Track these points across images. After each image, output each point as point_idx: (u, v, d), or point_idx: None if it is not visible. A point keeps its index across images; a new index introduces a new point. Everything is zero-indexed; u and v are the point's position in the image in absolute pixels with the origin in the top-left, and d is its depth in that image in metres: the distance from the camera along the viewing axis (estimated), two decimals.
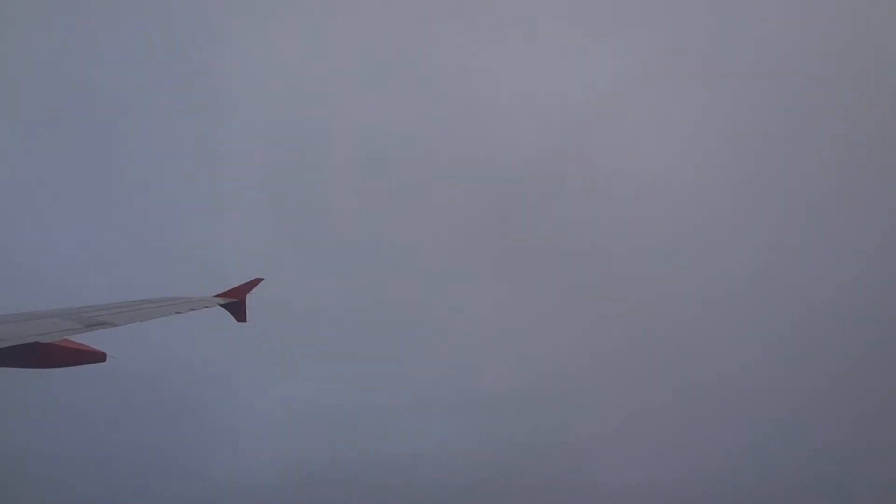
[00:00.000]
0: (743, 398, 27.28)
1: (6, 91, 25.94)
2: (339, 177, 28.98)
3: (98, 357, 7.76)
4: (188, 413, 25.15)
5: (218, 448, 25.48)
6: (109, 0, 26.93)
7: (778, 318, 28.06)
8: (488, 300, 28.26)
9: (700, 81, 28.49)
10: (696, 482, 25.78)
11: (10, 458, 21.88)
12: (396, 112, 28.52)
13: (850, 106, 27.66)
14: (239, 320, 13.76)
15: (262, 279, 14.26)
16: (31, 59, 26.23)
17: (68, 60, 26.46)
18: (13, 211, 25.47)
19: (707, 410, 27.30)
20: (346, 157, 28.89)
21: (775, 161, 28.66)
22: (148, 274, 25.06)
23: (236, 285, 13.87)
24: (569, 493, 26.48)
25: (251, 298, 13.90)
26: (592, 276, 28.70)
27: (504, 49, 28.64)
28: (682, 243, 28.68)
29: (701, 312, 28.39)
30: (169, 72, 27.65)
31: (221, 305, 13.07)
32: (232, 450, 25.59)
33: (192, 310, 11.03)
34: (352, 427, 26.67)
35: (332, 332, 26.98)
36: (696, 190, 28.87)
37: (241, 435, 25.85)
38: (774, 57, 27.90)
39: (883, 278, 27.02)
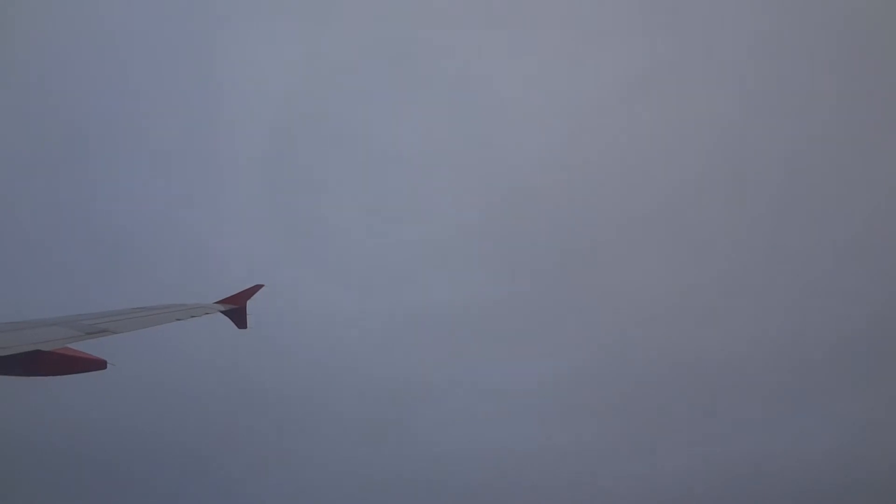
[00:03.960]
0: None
1: (4, 94, 26.00)
2: (340, 182, 29.02)
3: (98, 365, 7.74)
4: (190, 419, 25.13)
5: (220, 453, 25.43)
6: (112, 2, 27.02)
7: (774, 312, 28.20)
8: (490, 300, 28.23)
9: (702, 85, 28.58)
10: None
11: (11, 464, 21.83)
12: (397, 116, 28.60)
13: (852, 105, 27.73)
14: (239, 327, 13.73)
15: (263, 285, 14.25)
16: (30, 59, 26.30)
17: (69, 62, 26.54)
18: (13, 217, 25.48)
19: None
20: (348, 162, 28.94)
21: (775, 162, 28.74)
22: (148, 281, 25.07)
23: (237, 292, 13.85)
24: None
25: (251, 305, 13.88)
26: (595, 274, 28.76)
27: (506, 51, 28.75)
28: (682, 243, 28.74)
29: (702, 309, 28.42)
30: (169, 76, 27.73)
31: (222, 312, 13.04)
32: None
33: (193, 317, 11.02)
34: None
35: (333, 335, 26.98)
36: (696, 191, 28.93)
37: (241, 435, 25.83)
38: (775, 61, 27.99)
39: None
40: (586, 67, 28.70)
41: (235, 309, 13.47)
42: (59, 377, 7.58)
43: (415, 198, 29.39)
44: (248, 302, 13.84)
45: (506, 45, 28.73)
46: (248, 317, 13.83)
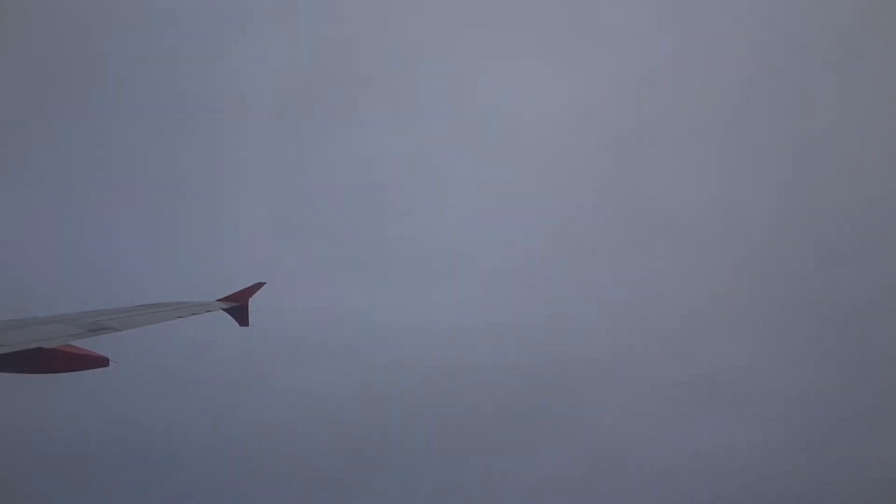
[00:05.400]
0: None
1: (6, 93, 26.01)
2: (342, 180, 29.06)
3: (101, 362, 7.77)
4: (192, 417, 25.15)
5: (221, 452, 25.44)
6: (112, 3, 27.05)
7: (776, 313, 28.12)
8: (491, 302, 28.20)
9: (694, 91, 28.59)
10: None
11: (13, 462, 21.87)
12: (397, 115, 28.64)
13: (853, 105, 27.71)
14: (241, 324, 13.80)
15: (265, 283, 14.31)
16: (30, 62, 26.32)
17: (69, 63, 26.55)
18: (13, 215, 25.52)
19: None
20: (348, 160, 28.98)
21: (772, 162, 28.73)
22: (150, 279, 25.09)
23: (238, 289, 13.90)
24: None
25: (253, 302, 13.94)
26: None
27: (500, 54, 28.76)
28: (679, 244, 28.74)
29: (697, 316, 28.41)
30: (170, 73, 27.72)
31: (224, 310, 13.09)
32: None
33: (195, 314, 11.06)
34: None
35: (334, 334, 26.96)
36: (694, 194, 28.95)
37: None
38: (774, 58, 27.97)
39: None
40: (577, 72, 28.72)
41: (237, 306, 13.53)
42: (61, 374, 7.60)
43: (416, 196, 29.43)
44: (250, 300, 13.90)
45: (508, 44, 28.73)
46: (249, 314, 13.89)
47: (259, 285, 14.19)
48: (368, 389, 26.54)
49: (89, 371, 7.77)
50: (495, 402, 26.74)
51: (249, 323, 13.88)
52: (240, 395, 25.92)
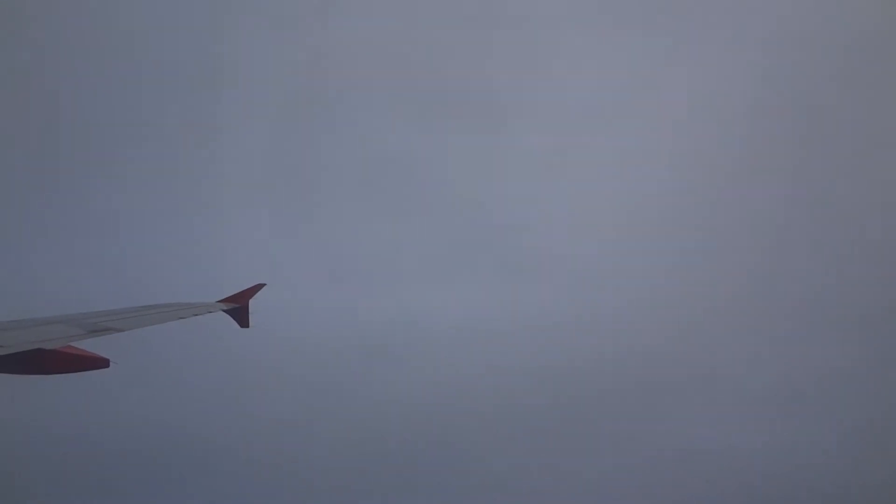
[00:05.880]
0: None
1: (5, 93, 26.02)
2: (341, 180, 29.04)
3: (101, 363, 7.76)
4: (192, 417, 25.13)
5: (222, 452, 25.42)
6: (111, 2, 27.06)
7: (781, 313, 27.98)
8: (495, 301, 28.15)
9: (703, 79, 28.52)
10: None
11: (13, 462, 21.85)
12: (397, 115, 28.62)
13: (857, 102, 27.68)
14: (242, 326, 13.85)
15: (265, 284, 14.36)
16: (32, 57, 26.33)
17: (68, 61, 26.55)
18: (13, 216, 25.52)
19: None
20: (349, 160, 28.97)
21: (779, 156, 28.68)
22: (150, 280, 25.08)
23: (239, 291, 13.94)
24: None
25: (253, 304, 13.98)
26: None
27: (507, 50, 28.75)
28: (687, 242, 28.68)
29: (709, 311, 28.29)
30: (169, 74, 27.73)
31: (224, 311, 13.12)
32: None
33: (196, 315, 11.07)
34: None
35: (334, 334, 26.95)
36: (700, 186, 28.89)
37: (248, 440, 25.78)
38: (777, 52, 27.96)
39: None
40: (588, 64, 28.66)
41: (238, 308, 13.57)
42: (61, 375, 7.59)
43: (416, 198, 29.41)
44: (251, 301, 13.94)
45: (510, 44, 28.73)
46: (250, 315, 13.94)
47: (259, 286, 14.25)
48: (370, 389, 26.57)
49: (89, 372, 7.75)
50: (495, 405, 26.72)
51: (250, 324, 13.94)
52: (240, 396, 25.90)
